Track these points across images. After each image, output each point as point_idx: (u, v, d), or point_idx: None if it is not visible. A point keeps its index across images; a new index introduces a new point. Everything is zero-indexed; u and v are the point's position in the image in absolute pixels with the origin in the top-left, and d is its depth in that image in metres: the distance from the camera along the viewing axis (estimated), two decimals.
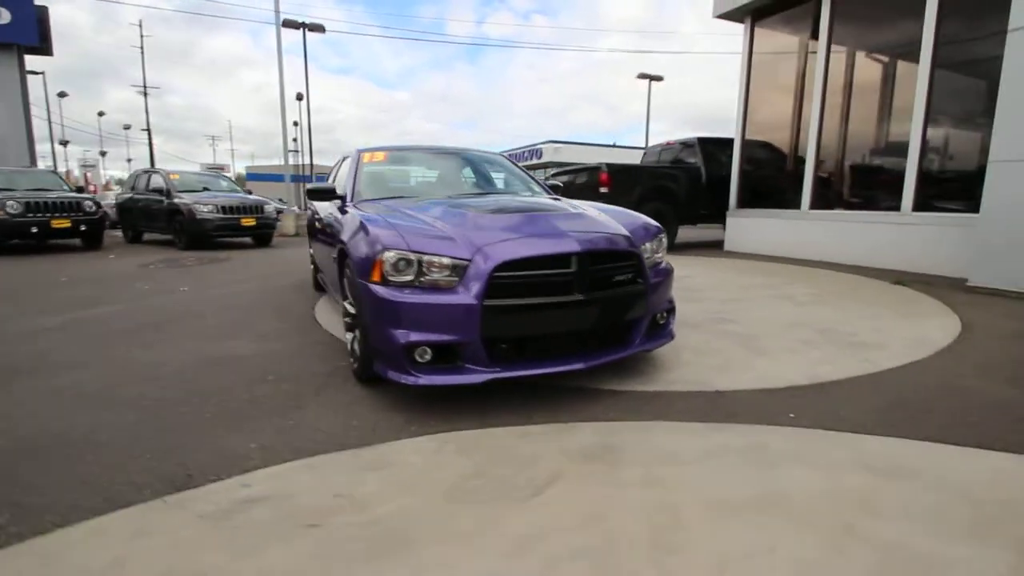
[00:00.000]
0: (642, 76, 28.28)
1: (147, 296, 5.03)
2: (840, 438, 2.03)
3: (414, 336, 2.13)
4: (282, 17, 14.32)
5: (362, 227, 2.43)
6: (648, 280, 2.50)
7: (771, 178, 8.02)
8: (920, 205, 5.87)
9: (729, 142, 8.91)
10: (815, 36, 6.94)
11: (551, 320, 2.24)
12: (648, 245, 2.61)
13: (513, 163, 4.12)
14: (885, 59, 6.86)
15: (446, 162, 3.83)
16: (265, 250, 9.73)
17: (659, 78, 28.32)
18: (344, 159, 4.32)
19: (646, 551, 1.38)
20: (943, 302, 4.27)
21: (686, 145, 9.45)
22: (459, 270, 2.16)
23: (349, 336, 2.82)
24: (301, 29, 18.73)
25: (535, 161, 38.60)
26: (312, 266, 5.27)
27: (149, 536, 1.47)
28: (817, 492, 1.66)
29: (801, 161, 7.24)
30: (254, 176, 50.83)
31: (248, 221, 9.56)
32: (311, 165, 22.20)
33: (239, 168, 65.99)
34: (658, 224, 2.85)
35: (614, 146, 41.69)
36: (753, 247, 7.89)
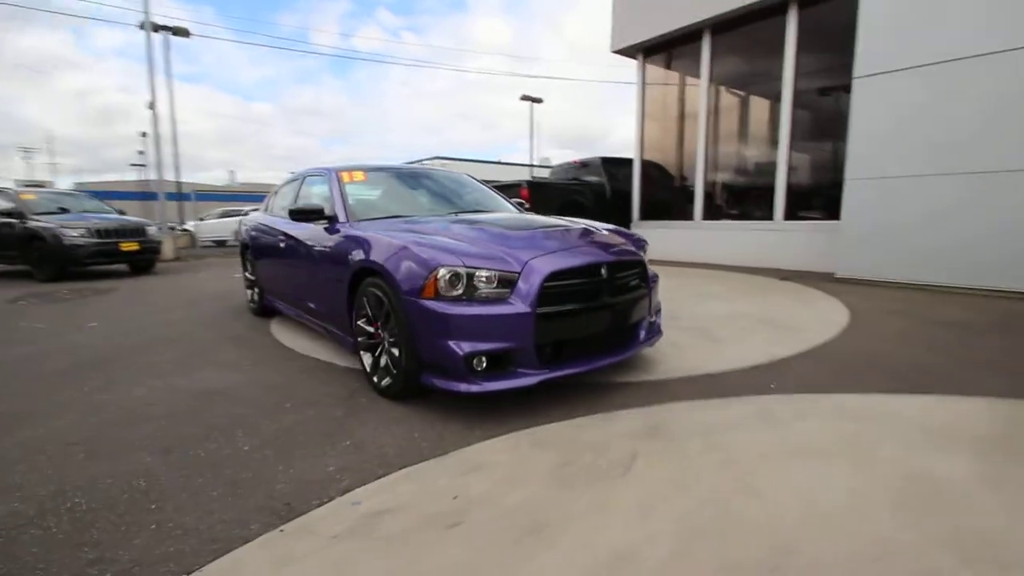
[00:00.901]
0: (525, 98, 29.77)
1: (51, 335, 4.32)
2: (819, 398, 2.56)
3: (473, 346, 2.26)
4: (115, 15, 12.81)
5: (403, 247, 2.49)
6: (649, 284, 2.89)
7: (668, 193, 9.10)
8: (789, 215, 7.16)
9: (626, 161, 9.95)
10: (697, 73, 8.11)
11: (587, 323, 2.51)
12: (642, 254, 3.00)
13: (479, 182, 4.32)
14: (755, 93, 8.23)
15: (424, 182, 3.91)
16: (150, 278, 8.61)
17: (539, 100, 30.06)
18: (303, 178, 4.18)
19: (743, 497, 1.70)
20: (825, 292, 5.31)
21: (587, 164, 10.33)
22: (509, 282, 2.33)
23: (367, 357, 2.82)
24: (158, 32, 16.77)
25: None
26: (253, 290, 4.94)
27: (296, 562, 1.45)
28: (828, 438, 2.13)
29: (691, 178, 8.37)
30: (87, 193, 43.84)
31: (129, 246, 8.42)
32: (178, 181, 19.81)
33: (63, 185, 56.22)
34: (643, 237, 3.27)
35: (499, 163, 43.27)
36: (656, 254, 8.84)
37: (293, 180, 4.39)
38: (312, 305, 3.51)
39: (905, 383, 2.73)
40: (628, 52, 8.95)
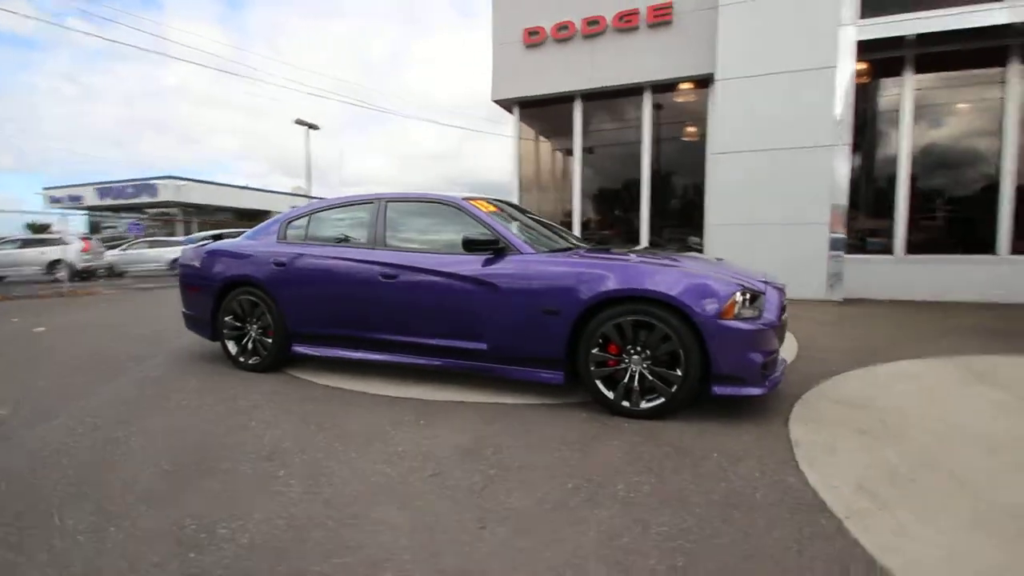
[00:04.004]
0: (299, 122, 27.61)
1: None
2: (894, 364, 3.82)
3: (763, 355, 2.73)
4: None
5: (694, 277, 2.79)
6: None
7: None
8: (651, 245, 9.14)
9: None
10: (570, 129, 9.58)
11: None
12: None
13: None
14: (620, 147, 10.07)
15: (519, 211, 4.00)
16: None
17: (315, 127, 28.33)
18: (381, 203, 3.64)
19: (999, 410, 2.68)
20: None
21: None
22: (762, 299, 2.88)
23: (603, 385, 2.89)
24: None
25: (147, 199, 31.86)
26: (244, 343, 3.92)
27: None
28: (940, 378, 3.33)
29: (569, 217, 9.75)
30: None
31: None
32: None
33: None
34: None
35: (246, 188, 38.60)
36: None
37: (356, 204, 3.76)
38: (472, 346, 3.19)
39: (889, 355, 4.20)
40: (505, 104, 9.89)
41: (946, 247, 7.48)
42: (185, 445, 2.54)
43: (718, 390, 2.75)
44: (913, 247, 7.62)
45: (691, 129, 9.00)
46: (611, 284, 2.86)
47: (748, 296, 2.78)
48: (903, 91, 7.55)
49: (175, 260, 18.53)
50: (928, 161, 7.71)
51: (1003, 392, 3.17)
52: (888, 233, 7.81)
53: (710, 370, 2.72)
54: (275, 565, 1.57)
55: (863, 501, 1.95)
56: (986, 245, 7.25)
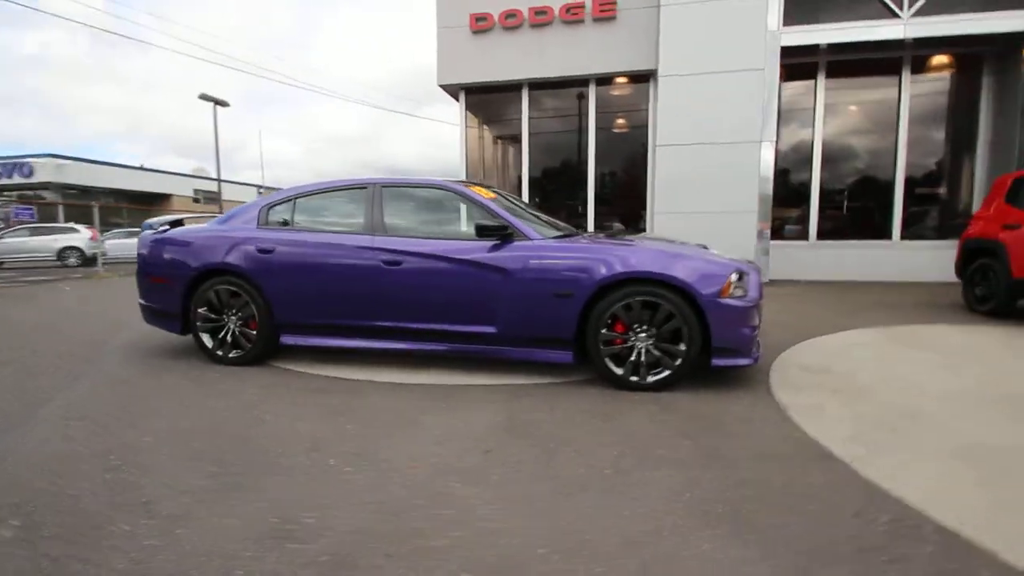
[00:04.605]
0: (205, 98, 25.15)
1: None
2: (831, 337, 4.37)
3: (752, 329, 3.07)
4: None
5: (691, 259, 3.07)
6: None
7: None
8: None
9: None
10: (518, 114, 9.69)
11: None
12: None
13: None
14: (566, 134, 10.31)
15: (507, 197, 4.07)
16: None
17: (225, 103, 25.98)
18: (374, 187, 3.56)
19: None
20: None
21: None
22: (747, 279, 3.21)
23: (613, 363, 3.12)
24: None
25: (20, 180, 28.07)
26: (221, 335, 3.72)
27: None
28: (886, 342, 3.91)
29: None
30: None
31: None
32: None
33: None
34: None
35: (142, 168, 35.29)
36: None
37: (346, 188, 3.64)
38: (482, 329, 3.26)
39: (827, 327, 4.83)
40: (451, 89, 9.77)
41: (851, 234, 8.59)
42: (214, 444, 2.41)
43: (717, 361, 3.06)
44: (823, 234, 8.66)
45: (633, 121, 9.47)
46: (620, 267, 3.07)
47: (738, 276, 3.11)
48: (816, 93, 8.48)
49: (64, 249, 16.78)
50: (835, 156, 8.75)
51: (931, 352, 3.81)
52: (803, 221, 8.80)
53: (710, 344, 3.03)
54: (393, 546, 1.60)
55: (861, 448, 2.31)
56: (883, 231, 8.42)
